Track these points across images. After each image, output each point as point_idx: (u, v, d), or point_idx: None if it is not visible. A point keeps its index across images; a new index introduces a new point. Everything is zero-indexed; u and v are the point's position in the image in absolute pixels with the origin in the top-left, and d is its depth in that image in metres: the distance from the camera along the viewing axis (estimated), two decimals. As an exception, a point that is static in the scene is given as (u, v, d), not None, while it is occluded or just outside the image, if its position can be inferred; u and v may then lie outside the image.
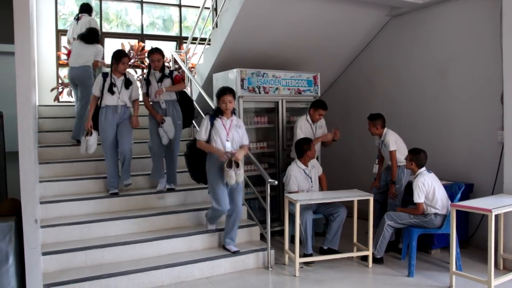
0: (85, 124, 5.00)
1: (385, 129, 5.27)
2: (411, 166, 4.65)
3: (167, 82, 5.16)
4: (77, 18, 6.51)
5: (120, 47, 7.62)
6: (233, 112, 4.59)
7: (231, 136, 4.48)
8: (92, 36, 6.15)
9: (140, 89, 5.31)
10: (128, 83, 5.02)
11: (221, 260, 4.48)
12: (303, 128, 5.44)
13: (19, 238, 3.62)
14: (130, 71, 6.72)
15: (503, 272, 4.37)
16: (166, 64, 7.72)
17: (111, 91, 4.91)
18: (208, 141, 4.49)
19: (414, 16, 6.07)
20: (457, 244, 4.29)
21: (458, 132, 5.48)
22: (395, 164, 5.11)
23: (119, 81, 5.00)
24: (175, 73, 5.33)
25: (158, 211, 4.87)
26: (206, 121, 4.52)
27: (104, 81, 4.95)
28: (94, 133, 4.94)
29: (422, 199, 4.46)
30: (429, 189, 4.46)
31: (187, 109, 5.36)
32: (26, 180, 3.59)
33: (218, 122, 4.49)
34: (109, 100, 4.93)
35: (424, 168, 4.59)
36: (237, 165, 4.35)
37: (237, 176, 4.34)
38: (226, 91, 4.47)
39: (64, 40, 7.64)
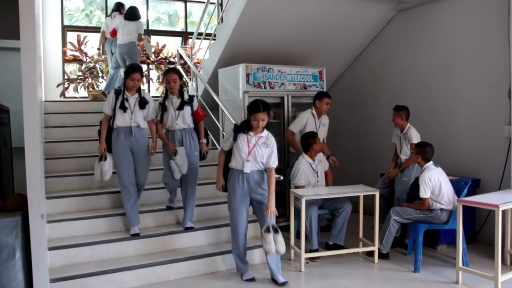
0: (98, 147, 4.46)
1: (408, 123, 5.27)
2: (417, 160, 4.63)
3: (187, 111, 4.58)
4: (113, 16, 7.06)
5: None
6: (266, 127, 4.06)
7: (253, 155, 3.97)
8: (134, 13, 6.79)
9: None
10: (142, 102, 4.43)
11: (226, 256, 4.48)
12: (306, 121, 5.41)
13: (25, 233, 3.64)
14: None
15: (510, 268, 4.35)
16: (172, 59, 7.78)
17: (123, 108, 4.34)
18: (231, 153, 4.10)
19: (420, 10, 6.01)
20: (463, 240, 4.27)
21: (465, 127, 5.44)
22: (413, 156, 5.12)
23: (132, 99, 4.41)
24: (196, 103, 4.74)
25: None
26: (230, 132, 4.14)
27: (116, 98, 4.39)
28: (109, 157, 4.45)
29: (428, 194, 4.43)
30: (435, 184, 4.44)
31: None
32: (32, 175, 3.60)
33: (241, 137, 4.01)
34: (120, 120, 4.36)
35: (431, 162, 4.57)
36: (276, 231, 3.86)
37: (277, 244, 3.84)
38: (259, 107, 3.90)
39: (70, 35, 7.66)
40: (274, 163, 4.01)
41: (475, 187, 5.07)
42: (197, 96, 6.43)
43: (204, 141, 4.77)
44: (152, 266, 4.13)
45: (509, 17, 4.70)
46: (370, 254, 4.77)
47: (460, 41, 5.52)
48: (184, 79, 4.70)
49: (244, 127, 4.04)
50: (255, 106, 3.92)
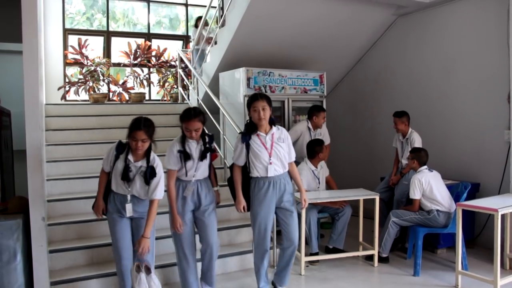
0: (95, 208, 3.60)
1: (410, 127, 5.32)
2: (413, 164, 4.71)
3: (208, 158, 3.76)
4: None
5: (126, 46, 7.65)
6: (272, 122, 3.75)
7: (274, 155, 3.66)
8: None
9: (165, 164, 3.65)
10: (149, 174, 3.39)
11: (227, 259, 4.49)
12: (301, 133, 5.44)
13: (26, 236, 3.65)
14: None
15: (509, 272, 4.36)
16: (173, 62, 7.81)
17: (126, 177, 3.39)
18: (248, 165, 3.73)
19: (420, 15, 6.04)
20: (463, 244, 4.28)
21: (464, 132, 5.46)
22: (409, 162, 5.14)
23: (134, 166, 3.42)
24: (214, 144, 3.94)
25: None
26: (238, 144, 3.72)
27: (117, 157, 3.44)
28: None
29: (417, 195, 4.52)
30: (426, 186, 4.51)
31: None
32: (33, 178, 3.62)
33: (254, 141, 3.67)
34: (117, 185, 3.46)
35: (425, 167, 4.63)
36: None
37: None
38: (257, 96, 3.68)
39: (71, 39, 7.69)
40: (293, 156, 3.83)
41: (475, 191, 5.08)
42: (198, 100, 6.44)
43: (217, 188, 3.97)
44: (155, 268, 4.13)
45: (509, 22, 4.73)
46: (370, 258, 4.78)
47: (460, 46, 5.54)
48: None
49: (250, 128, 3.71)
50: (252, 96, 3.74)
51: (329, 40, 6.27)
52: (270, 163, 3.65)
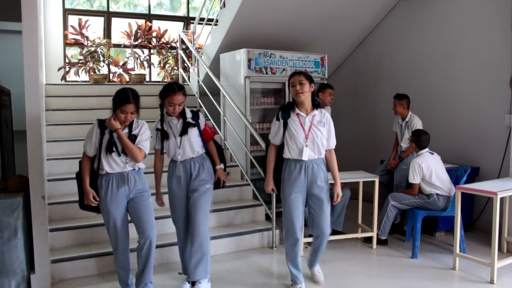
0: (84, 199, 3.40)
1: (409, 111, 5.29)
2: (412, 147, 4.72)
3: (194, 132, 3.58)
4: None
5: (127, 27, 7.59)
6: (317, 104, 3.55)
7: (311, 138, 3.46)
8: None
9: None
10: (133, 141, 3.35)
11: (226, 239, 4.52)
12: None
13: (27, 214, 3.67)
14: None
15: (506, 255, 4.39)
16: (174, 44, 7.75)
17: (110, 150, 3.29)
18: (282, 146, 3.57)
19: (424, -3, 5.98)
20: (461, 227, 4.30)
21: (465, 116, 5.44)
22: (410, 144, 5.14)
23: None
24: (202, 118, 3.70)
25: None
26: (275, 121, 3.59)
27: (102, 134, 3.34)
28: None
29: (417, 180, 4.51)
30: (426, 171, 4.49)
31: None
32: (34, 157, 3.63)
33: (293, 119, 3.50)
34: (110, 164, 3.32)
35: (426, 150, 4.62)
36: None
37: None
38: (295, 72, 3.54)
39: (71, 19, 7.62)
40: (333, 143, 3.60)
41: (474, 175, 5.09)
42: (198, 81, 6.41)
43: (221, 166, 3.78)
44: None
45: (513, 5, 4.68)
46: (369, 240, 4.81)
47: (462, 30, 5.49)
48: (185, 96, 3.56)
49: (289, 106, 3.54)
50: (292, 72, 3.57)
51: (331, 22, 6.21)
52: (306, 146, 3.45)
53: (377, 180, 4.70)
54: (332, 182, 3.68)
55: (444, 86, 5.72)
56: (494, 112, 5.12)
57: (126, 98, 3.27)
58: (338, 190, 3.62)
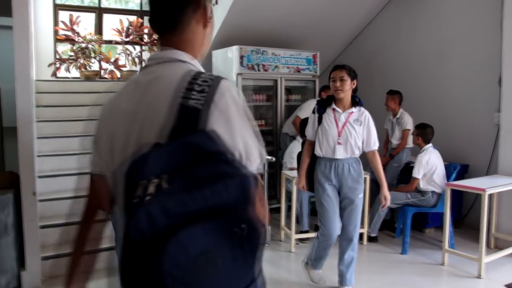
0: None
1: (401, 108, 5.32)
2: (417, 141, 4.65)
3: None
4: None
5: (118, 24, 7.56)
6: (357, 101, 3.38)
7: (344, 136, 3.29)
8: None
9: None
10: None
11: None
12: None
13: (17, 211, 3.66)
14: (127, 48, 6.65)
15: (493, 251, 4.45)
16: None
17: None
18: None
19: (415, -4, 6.03)
20: (450, 223, 4.36)
21: (455, 113, 5.50)
22: (404, 143, 5.21)
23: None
24: None
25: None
26: (311, 114, 3.45)
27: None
28: None
29: (420, 175, 4.48)
30: (431, 168, 4.49)
31: None
32: (25, 153, 3.62)
33: (328, 115, 3.34)
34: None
35: (430, 144, 4.61)
36: None
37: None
38: (337, 66, 3.36)
39: (62, 14, 7.56)
40: (375, 144, 3.39)
41: (464, 172, 5.14)
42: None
43: None
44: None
45: (502, 5, 4.73)
46: (359, 236, 4.84)
47: (453, 28, 5.54)
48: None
49: (326, 101, 3.37)
50: (334, 66, 3.41)
51: (323, 19, 6.23)
52: (339, 143, 3.27)
53: (368, 177, 4.73)
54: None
55: (434, 84, 5.77)
56: (483, 110, 5.18)
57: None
58: (386, 193, 3.41)
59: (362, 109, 3.40)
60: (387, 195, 3.41)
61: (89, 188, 1.33)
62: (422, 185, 4.53)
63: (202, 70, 1.22)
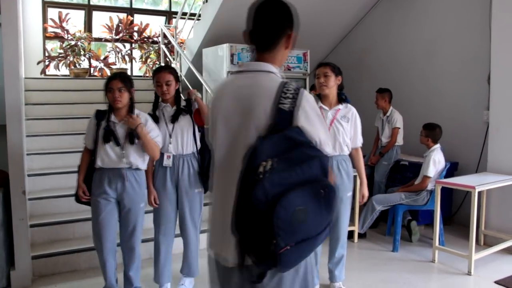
0: (77, 192, 3.24)
1: (391, 106, 5.34)
2: (427, 142, 4.61)
3: (186, 121, 3.37)
4: None
5: (108, 21, 7.51)
6: (343, 98, 3.37)
7: (332, 134, 3.24)
8: None
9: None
10: (136, 133, 3.11)
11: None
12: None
13: (7, 210, 3.62)
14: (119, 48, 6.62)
15: (483, 248, 4.49)
16: (155, 38, 7.68)
17: (107, 139, 3.10)
18: None
19: (405, -6, 6.06)
20: (440, 220, 4.39)
21: (445, 112, 5.54)
22: (394, 141, 5.23)
23: (121, 126, 3.18)
24: (196, 105, 3.43)
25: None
26: None
27: (98, 125, 3.16)
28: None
29: (432, 174, 4.47)
30: (440, 168, 4.51)
31: (208, 158, 3.38)
32: (14, 152, 3.58)
33: None
34: (103, 158, 3.12)
35: (438, 144, 4.61)
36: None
37: None
38: (321, 63, 3.37)
39: (51, 12, 7.49)
40: (360, 141, 3.39)
41: (453, 170, 5.19)
42: (181, 76, 6.38)
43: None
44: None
45: (491, 4, 4.77)
46: (350, 234, 4.85)
47: (443, 27, 5.58)
48: (178, 83, 3.41)
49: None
50: (318, 63, 3.40)
51: (314, 17, 6.23)
52: None
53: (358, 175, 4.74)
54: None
55: (424, 82, 5.81)
56: (472, 108, 5.22)
57: (111, 77, 3.16)
58: (364, 190, 3.45)
59: (349, 105, 3.41)
60: (365, 193, 3.46)
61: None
62: (430, 186, 4.50)
63: (282, 76, 1.65)
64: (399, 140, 5.27)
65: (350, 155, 3.42)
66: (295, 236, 1.40)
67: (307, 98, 1.56)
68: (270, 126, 1.50)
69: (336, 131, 3.27)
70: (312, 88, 5.43)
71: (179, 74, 6.29)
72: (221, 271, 1.64)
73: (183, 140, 3.34)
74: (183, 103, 3.42)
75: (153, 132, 3.21)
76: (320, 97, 3.36)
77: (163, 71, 3.32)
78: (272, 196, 1.35)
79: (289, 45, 1.68)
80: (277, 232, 1.35)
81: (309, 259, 1.59)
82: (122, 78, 3.13)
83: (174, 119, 3.32)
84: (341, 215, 3.40)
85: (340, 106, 3.35)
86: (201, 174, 3.40)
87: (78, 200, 3.26)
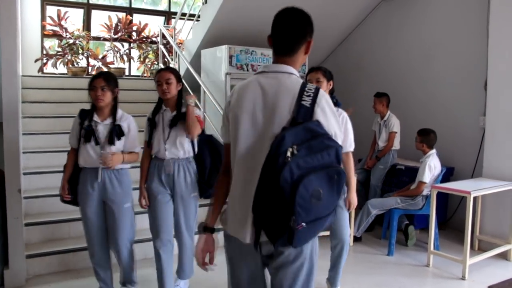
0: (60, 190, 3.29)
1: (389, 110, 5.35)
2: (422, 147, 4.62)
3: (184, 125, 3.27)
4: None
5: (107, 20, 7.50)
6: (335, 102, 3.13)
7: None
8: None
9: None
10: (117, 132, 3.17)
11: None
12: None
13: (1, 208, 3.61)
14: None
15: (477, 252, 4.51)
16: (154, 38, 7.68)
17: (88, 138, 3.13)
18: None
19: (403, 0, 6.06)
20: (436, 225, 4.40)
21: (442, 117, 5.56)
22: (390, 145, 5.24)
23: (103, 125, 3.19)
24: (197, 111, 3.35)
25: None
26: None
27: (82, 124, 3.18)
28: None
29: (428, 180, 4.48)
30: (436, 173, 4.52)
31: (213, 172, 3.38)
32: (10, 150, 3.57)
33: None
34: (84, 157, 3.16)
35: (434, 150, 4.62)
36: None
37: None
38: (313, 68, 3.40)
39: (49, 10, 7.47)
40: (350, 145, 3.38)
41: (449, 175, 5.20)
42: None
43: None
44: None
45: (489, 10, 4.79)
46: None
47: (441, 33, 5.60)
48: (182, 83, 3.39)
49: None
50: (310, 68, 3.40)
51: (313, 20, 6.24)
52: None
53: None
54: None
55: (421, 87, 5.83)
56: (469, 114, 5.25)
57: (94, 76, 3.18)
58: (351, 197, 3.35)
59: (340, 110, 3.38)
60: (352, 199, 3.36)
61: (225, 151, 1.95)
62: (426, 191, 4.52)
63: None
64: (396, 145, 5.29)
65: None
66: (310, 214, 1.62)
67: (325, 97, 1.79)
68: (293, 119, 1.72)
69: None
70: None
71: (177, 75, 6.33)
72: (237, 248, 1.85)
73: (179, 145, 3.27)
74: (184, 109, 3.32)
75: (132, 144, 3.24)
76: None
77: (163, 70, 3.33)
78: (296, 177, 1.58)
79: (308, 51, 1.90)
80: (297, 210, 1.56)
81: (315, 240, 1.85)
82: (105, 77, 3.14)
83: (172, 124, 3.27)
84: (339, 218, 3.37)
85: None
86: (202, 182, 3.35)
87: (62, 199, 3.30)
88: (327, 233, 4.76)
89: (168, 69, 3.40)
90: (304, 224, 1.60)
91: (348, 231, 3.45)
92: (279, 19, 1.91)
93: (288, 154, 1.59)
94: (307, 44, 1.90)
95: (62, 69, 6.98)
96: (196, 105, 3.39)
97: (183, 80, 6.14)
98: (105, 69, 7.16)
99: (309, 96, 1.74)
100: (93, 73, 7.17)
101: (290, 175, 1.57)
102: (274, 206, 1.61)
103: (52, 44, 7.54)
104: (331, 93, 3.39)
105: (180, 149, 3.27)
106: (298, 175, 1.57)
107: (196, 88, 5.85)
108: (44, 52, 7.06)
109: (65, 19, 7.11)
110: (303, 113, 1.72)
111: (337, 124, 1.81)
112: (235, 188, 1.85)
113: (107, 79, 3.14)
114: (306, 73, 3.40)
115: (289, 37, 1.87)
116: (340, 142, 1.76)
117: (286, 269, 1.79)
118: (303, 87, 1.77)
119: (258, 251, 1.80)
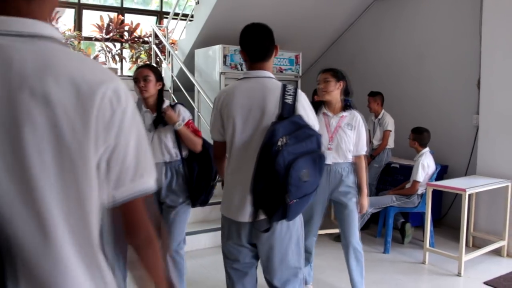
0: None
1: (383, 109, 5.38)
2: (414, 145, 4.64)
3: (168, 128, 3.01)
4: None
5: (98, 20, 7.46)
6: (348, 104, 3.30)
7: (335, 142, 3.19)
8: None
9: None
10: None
11: (201, 235, 4.51)
12: None
13: None
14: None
15: (472, 249, 4.55)
16: (146, 38, 7.64)
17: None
18: None
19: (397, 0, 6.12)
20: (431, 222, 4.43)
21: (435, 116, 5.60)
22: (385, 143, 5.27)
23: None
24: (187, 114, 3.11)
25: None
26: None
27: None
28: None
29: (421, 179, 4.50)
30: (430, 171, 4.54)
31: (202, 175, 3.10)
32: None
33: (320, 119, 3.09)
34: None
35: (427, 148, 4.63)
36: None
37: None
38: (323, 70, 3.32)
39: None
40: (363, 149, 3.27)
41: (443, 173, 5.25)
42: (172, 77, 6.35)
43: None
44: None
45: (481, 10, 4.84)
46: (338, 238, 4.86)
47: (434, 32, 5.65)
48: (163, 82, 3.12)
49: (316, 107, 3.05)
50: (321, 69, 3.36)
51: (306, 20, 6.27)
52: (329, 149, 3.14)
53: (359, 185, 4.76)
54: None
55: (414, 86, 5.87)
56: (462, 112, 5.29)
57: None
58: (363, 201, 3.27)
59: (354, 112, 3.30)
60: (363, 203, 3.27)
61: (214, 149, 2.38)
62: (420, 190, 4.53)
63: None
64: (390, 143, 5.32)
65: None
66: (300, 191, 1.98)
67: (303, 96, 2.21)
68: (279, 115, 2.08)
69: (339, 139, 3.20)
70: (315, 94, 5.44)
71: (171, 75, 6.31)
72: (234, 227, 2.19)
73: (164, 148, 3.01)
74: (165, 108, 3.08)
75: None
76: (324, 104, 3.29)
77: (142, 67, 3.10)
78: (288, 162, 1.92)
79: (277, 53, 2.33)
80: (290, 189, 1.93)
81: (300, 216, 2.23)
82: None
83: (153, 126, 3.00)
84: (349, 221, 3.26)
85: (345, 113, 3.26)
86: (191, 188, 3.07)
87: None
88: (336, 230, 4.81)
89: (147, 66, 3.18)
90: (295, 200, 1.96)
91: (357, 234, 3.29)
92: (250, 33, 2.27)
93: (280, 143, 1.92)
94: (276, 49, 2.30)
95: (53, 69, 6.91)
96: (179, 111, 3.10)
97: (177, 79, 6.17)
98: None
99: (290, 95, 2.11)
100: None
101: (283, 161, 1.91)
102: (271, 187, 1.96)
103: (43, 45, 7.46)
104: (346, 94, 3.31)
105: (166, 152, 3.01)
106: (289, 160, 1.92)
107: (190, 88, 5.84)
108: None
109: (56, 19, 7.04)
110: (287, 109, 2.08)
111: (314, 117, 2.21)
112: (233, 176, 2.21)
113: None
114: (318, 73, 3.36)
115: (263, 46, 2.23)
116: (317, 128, 2.16)
117: (281, 241, 2.15)
118: (283, 88, 2.14)
119: (256, 227, 2.13)
